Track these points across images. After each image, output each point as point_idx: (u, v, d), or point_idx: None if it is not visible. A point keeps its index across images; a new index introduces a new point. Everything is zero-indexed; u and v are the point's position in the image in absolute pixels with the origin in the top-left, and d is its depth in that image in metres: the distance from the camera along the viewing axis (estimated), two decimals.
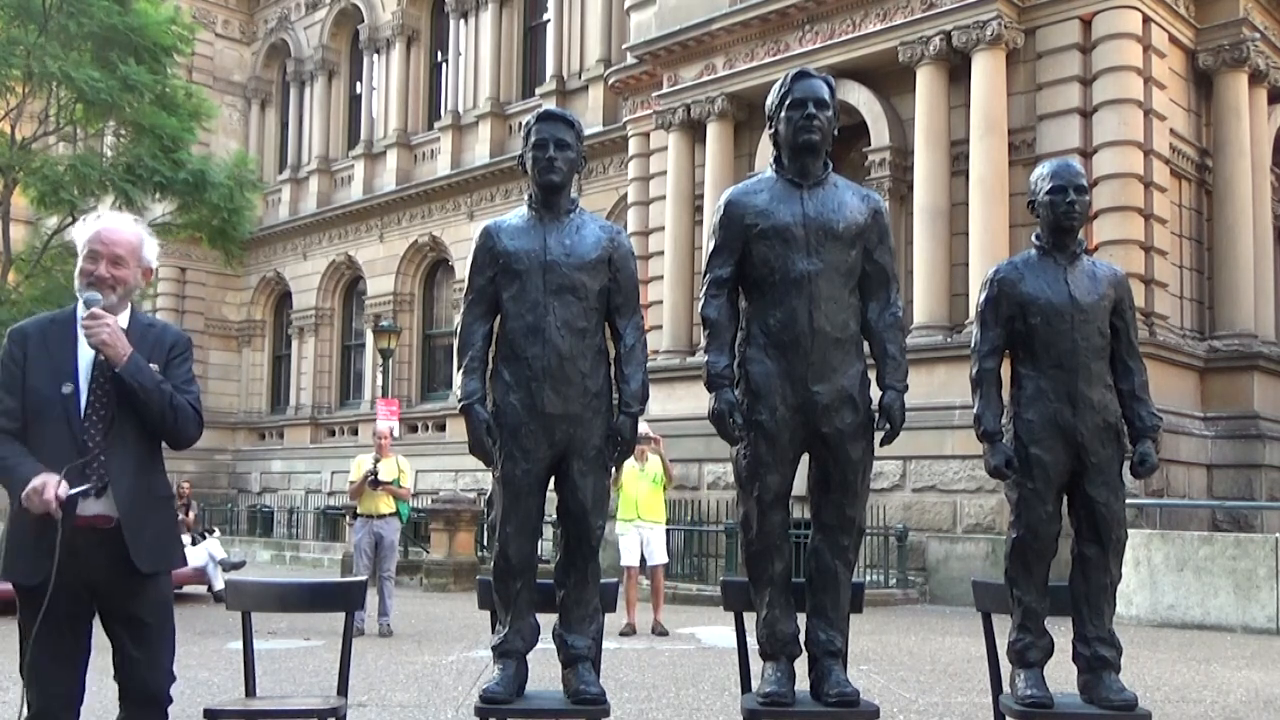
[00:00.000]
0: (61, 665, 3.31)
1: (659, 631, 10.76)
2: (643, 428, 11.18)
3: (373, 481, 11.00)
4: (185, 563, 3.76)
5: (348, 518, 16.75)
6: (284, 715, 4.28)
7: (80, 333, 3.37)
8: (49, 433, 3.32)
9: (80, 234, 3.50)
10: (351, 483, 11.38)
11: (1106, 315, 4.29)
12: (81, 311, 3.37)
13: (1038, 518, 4.21)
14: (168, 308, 28.85)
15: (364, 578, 10.40)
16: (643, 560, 11.34)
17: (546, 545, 6.96)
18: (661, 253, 18.31)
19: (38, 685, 3.28)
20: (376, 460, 11.14)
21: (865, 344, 4.12)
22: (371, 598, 10.15)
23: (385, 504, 11.08)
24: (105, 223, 3.52)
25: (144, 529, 3.36)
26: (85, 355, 3.39)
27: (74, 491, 3.21)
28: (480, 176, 24.60)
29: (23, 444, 3.32)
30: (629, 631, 10.79)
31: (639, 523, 11.17)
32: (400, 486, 11.22)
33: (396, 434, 15.90)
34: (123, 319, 3.46)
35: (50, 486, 3.16)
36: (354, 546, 11.05)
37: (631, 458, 10.82)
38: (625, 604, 11.01)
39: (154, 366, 3.41)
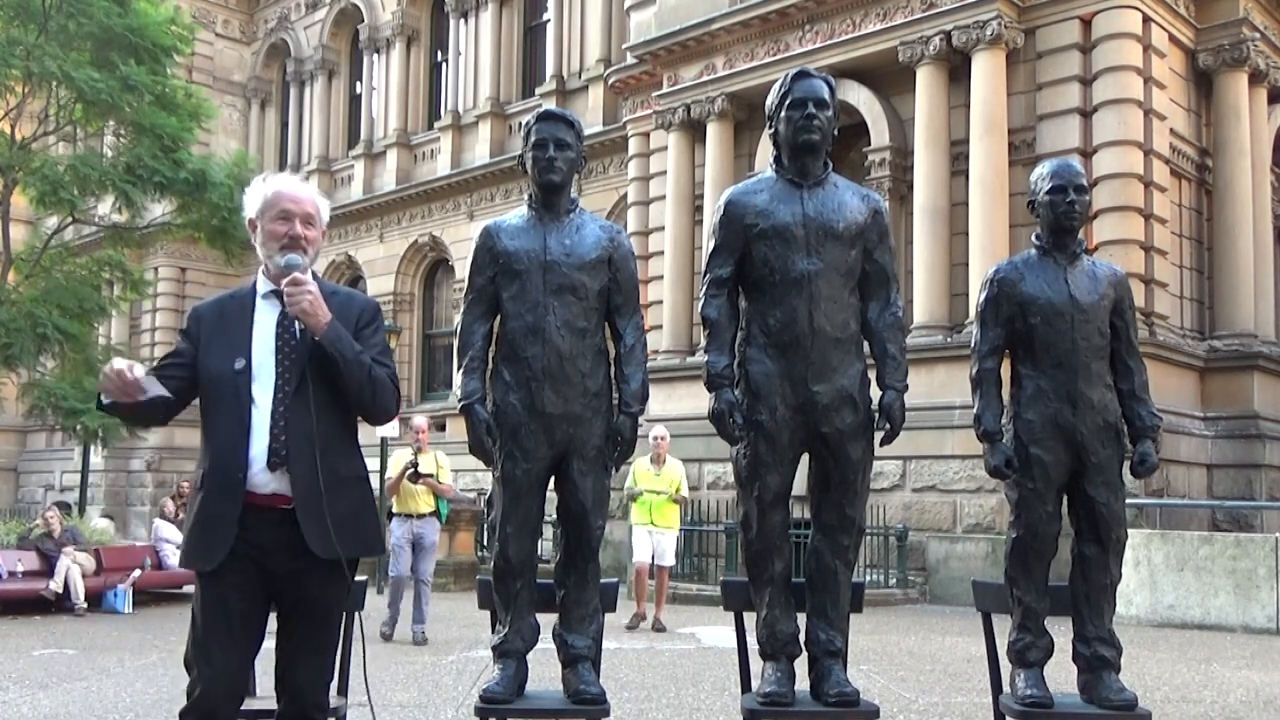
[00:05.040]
0: (227, 654, 3.11)
1: (658, 628, 10.99)
2: (659, 430, 11.39)
3: (412, 475, 10.18)
4: (381, 551, 3.43)
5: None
6: None
7: (257, 305, 3.23)
8: (222, 410, 3.15)
9: (255, 198, 3.30)
10: (387, 479, 10.60)
11: (1106, 315, 4.30)
12: (279, 263, 3.18)
13: (1038, 518, 4.22)
14: (168, 307, 28.79)
15: (394, 575, 10.22)
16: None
17: (546, 545, 6.96)
18: (661, 253, 18.30)
19: (201, 672, 3.11)
20: (417, 451, 10.39)
21: (865, 344, 4.12)
22: (383, 601, 10.11)
23: (425, 502, 10.30)
24: (286, 183, 3.32)
25: (322, 510, 3.09)
26: (262, 328, 3.22)
27: (153, 393, 3.07)
28: (480, 176, 24.57)
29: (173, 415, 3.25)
30: (634, 624, 11.09)
31: (651, 528, 11.37)
32: (440, 482, 10.38)
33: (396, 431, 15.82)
34: None
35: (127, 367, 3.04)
36: (391, 546, 10.07)
37: (647, 459, 11.09)
38: (635, 596, 11.40)
39: None
